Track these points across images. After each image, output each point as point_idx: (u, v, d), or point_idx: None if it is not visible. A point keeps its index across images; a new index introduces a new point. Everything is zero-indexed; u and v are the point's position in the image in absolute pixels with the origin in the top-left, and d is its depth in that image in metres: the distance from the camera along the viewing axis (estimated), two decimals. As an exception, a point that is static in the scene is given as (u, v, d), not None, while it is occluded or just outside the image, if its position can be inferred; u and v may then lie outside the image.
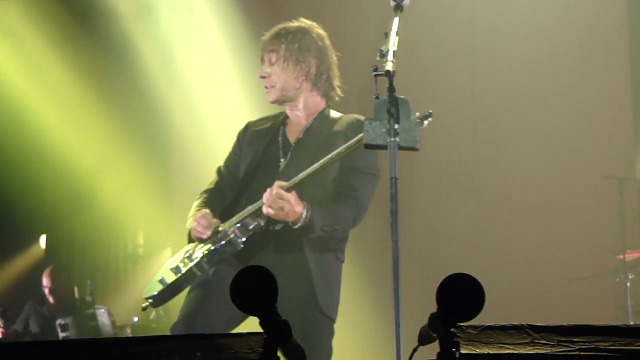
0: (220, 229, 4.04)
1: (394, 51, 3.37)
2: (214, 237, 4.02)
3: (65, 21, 9.12)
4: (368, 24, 7.12)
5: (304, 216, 3.85)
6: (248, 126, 4.45)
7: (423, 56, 7.93)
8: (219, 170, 4.44)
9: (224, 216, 4.12)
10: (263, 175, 4.11)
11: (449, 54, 8.26)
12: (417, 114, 3.66)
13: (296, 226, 3.87)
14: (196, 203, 4.29)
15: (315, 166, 3.89)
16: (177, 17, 8.98)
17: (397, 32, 3.47)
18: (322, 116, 4.25)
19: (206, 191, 4.38)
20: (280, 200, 3.81)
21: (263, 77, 4.30)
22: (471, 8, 8.24)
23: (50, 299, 8.71)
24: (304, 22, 4.33)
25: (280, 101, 4.30)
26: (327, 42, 4.32)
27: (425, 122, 3.68)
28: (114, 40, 9.10)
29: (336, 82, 4.32)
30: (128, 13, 8.91)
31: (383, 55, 3.36)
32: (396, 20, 3.52)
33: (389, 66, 3.28)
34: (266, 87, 4.30)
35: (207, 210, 4.11)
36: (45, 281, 8.78)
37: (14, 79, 8.98)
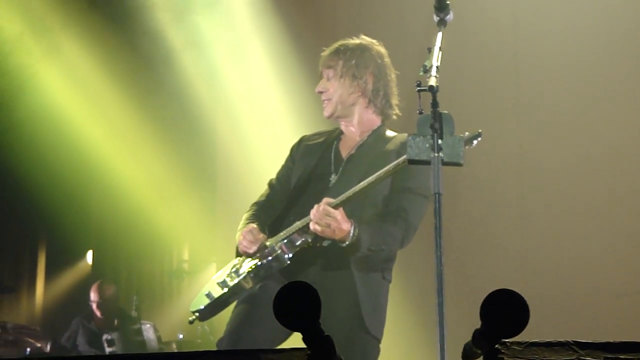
0: (267, 244, 4.05)
1: (437, 66, 3.37)
2: (261, 252, 4.03)
3: (111, 38, 9.23)
4: (411, 40, 7.11)
5: (351, 234, 3.83)
6: (302, 140, 4.45)
7: (466, 71, 7.89)
8: (270, 183, 4.45)
9: (272, 229, 4.13)
10: (313, 189, 4.11)
11: (493, 68, 8.21)
12: (467, 133, 3.65)
13: (344, 244, 3.85)
14: (246, 215, 4.31)
15: (363, 183, 3.87)
16: (221, 32, 9.04)
17: (440, 47, 3.47)
18: (377, 134, 4.23)
19: (257, 203, 4.39)
20: (327, 217, 3.80)
21: (320, 92, 4.31)
22: (515, 22, 8.19)
23: (98, 314, 8.78)
24: (365, 39, 4.33)
25: (335, 116, 4.29)
26: (387, 60, 4.30)
27: (475, 141, 3.66)
28: (159, 58, 9.18)
29: (394, 101, 4.30)
30: (174, 35, 9.00)
31: (426, 70, 3.36)
32: (439, 35, 3.52)
33: (432, 81, 3.28)
34: (323, 101, 4.29)
35: (254, 225, 4.12)
36: (93, 296, 8.86)
37: (61, 96, 9.09)
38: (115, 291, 9.18)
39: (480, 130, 3.64)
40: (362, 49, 4.27)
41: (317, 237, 3.91)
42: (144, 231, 9.84)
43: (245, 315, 3.96)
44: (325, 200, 3.86)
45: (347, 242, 3.84)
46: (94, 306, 8.82)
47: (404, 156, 3.78)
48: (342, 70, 4.23)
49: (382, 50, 4.32)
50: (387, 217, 4.01)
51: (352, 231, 3.83)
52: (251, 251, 4.04)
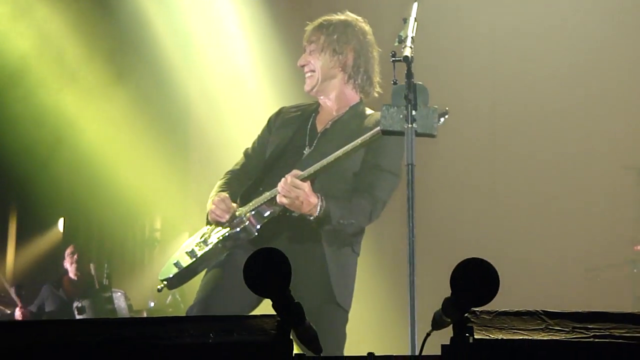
0: (236, 213, 4.04)
1: (412, 37, 3.36)
2: (230, 222, 4.02)
3: (84, 4, 9.14)
4: (386, 10, 7.10)
5: (319, 207, 3.84)
6: (281, 111, 4.44)
7: (442, 42, 7.89)
8: (245, 152, 4.44)
9: (244, 199, 4.13)
10: (286, 161, 4.10)
11: (469, 41, 8.22)
12: (435, 106, 3.64)
13: (312, 217, 3.86)
14: (219, 183, 4.30)
15: (330, 158, 3.87)
16: (196, 6, 8.98)
17: (415, 18, 3.45)
18: (354, 110, 4.22)
19: (231, 171, 4.39)
20: (295, 190, 3.80)
21: (302, 66, 4.29)
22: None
23: (71, 276, 8.79)
24: (350, 15, 4.32)
25: (315, 90, 4.27)
26: (370, 37, 4.28)
27: (442, 119, 3.63)
28: (133, 25, 9.10)
29: (376, 78, 4.28)
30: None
31: (402, 41, 3.36)
32: (415, 5, 3.51)
33: (407, 52, 3.28)
34: (306, 74, 4.27)
35: (226, 194, 4.12)
36: (67, 259, 8.87)
37: (33, 59, 8.99)
38: (85, 259, 9.18)
39: (447, 108, 3.60)
40: (345, 24, 4.26)
41: (285, 208, 3.90)
42: (115, 199, 9.79)
43: (214, 283, 3.97)
44: (294, 172, 3.87)
45: (314, 215, 3.85)
46: (68, 266, 8.84)
47: (370, 133, 3.80)
48: (323, 44, 4.22)
49: (366, 27, 4.31)
50: (356, 192, 4.01)
51: (319, 204, 3.84)
52: (223, 220, 4.04)
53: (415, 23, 3.44)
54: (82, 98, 9.33)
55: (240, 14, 8.85)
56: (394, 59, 3.28)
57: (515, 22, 8.05)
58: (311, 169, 3.88)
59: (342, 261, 4.00)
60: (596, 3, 7.80)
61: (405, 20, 3.45)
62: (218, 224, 4.08)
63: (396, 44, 3.38)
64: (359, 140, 3.85)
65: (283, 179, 3.84)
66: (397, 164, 4.06)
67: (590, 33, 7.80)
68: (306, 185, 3.82)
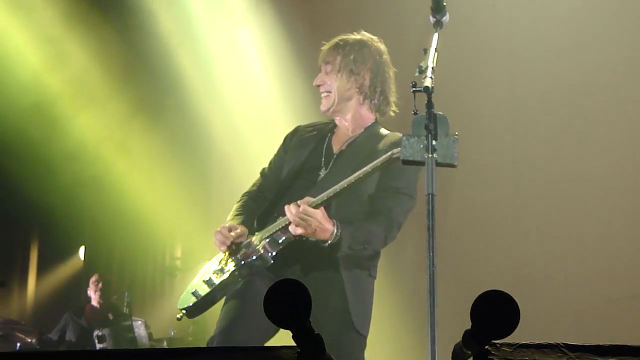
0: (253, 240, 4.04)
1: (432, 67, 3.36)
2: (245, 249, 4.02)
3: (105, 30, 9.22)
4: (407, 40, 7.11)
5: (334, 234, 3.82)
6: (297, 130, 4.44)
7: (462, 73, 7.89)
8: (262, 172, 4.45)
9: (261, 222, 4.12)
10: (302, 183, 4.10)
11: (488, 70, 8.21)
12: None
13: (325, 244, 3.84)
14: (235, 207, 4.31)
15: (343, 183, 3.85)
16: (216, 29, 9.04)
17: (436, 48, 3.46)
18: (369, 131, 4.23)
19: (248, 193, 4.40)
20: (307, 218, 3.78)
21: (318, 86, 4.30)
22: (511, 23, 8.18)
23: (94, 304, 8.82)
24: (365, 35, 4.33)
25: (332, 111, 4.28)
26: (386, 57, 4.30)
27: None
28: (155, 53, 9.16)
29: (392, 98, 4.29)
30: (169, 29, 8.99)
31: (422, 71, 3.36)
32: (436, 36, 3.52)
33: (427, 82, 3.27)
34: (322, 94, 4.28)
35: (232, 223, 4.12)
36: (92, 287, 8.93)
37: (54, 87, 9.08)
38: (107, 287, 9.21)
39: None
40: (361, 44, 4.27)
41: (299, 235, 3.89)
42: (137, 228, 9.82)
43: (235, 314, 3.95)
44: (306, 199, 3.84)
45: (329, 242, 3.83)
46: (92, 294, 8.89)
47: (382, 157, 3.80)
48: (340, 64, 4.23)
49: (382, 47, 4.32)
50: (370, 215, 4.00)
51: (334, 231, 3.82)
52: (222, 249, 4.05)
53: (436, 54, 3.44)
54: (105, 126, 9.39)
55: (258, 38, 8.90)
56: (414, 89, 3.28)
57: (535, 48, 8.03)
58: (324, 195, 3.85)
59: (359, 286, 3.99)
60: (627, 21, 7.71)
61: (426, 51, 3.46)
62: (230, 253, 4.07)
63: (417, 74, 3.38)
64: (370, 166, 3.83)
65: (293, 206, 3.81)
66: (412, 186, 4.06)
67: (618, 51, 7.72)
68: (319, 213, 3.79)
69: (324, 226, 3.80)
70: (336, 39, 4.34)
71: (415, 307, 6.22)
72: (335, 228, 3.82)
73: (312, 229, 3.78)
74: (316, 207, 3.82)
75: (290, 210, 3.81)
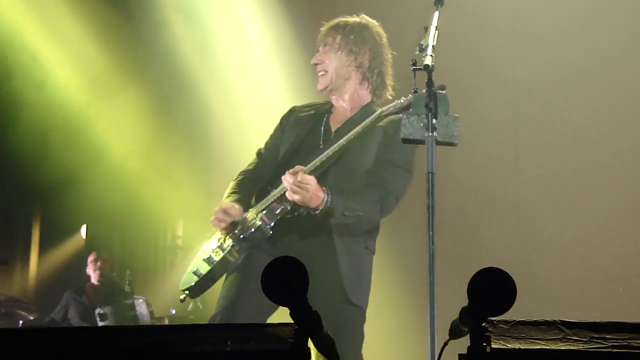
0: (248, 215, 4.07)
1: (433, 46, 3.36)
2: (242, 224, 4.04)
3: (105, 10, 9.21)
4: (408, 18, 7.10)
5: (324, 201, 3.85)
6: (293, 110, 4.47)
7: (463, 51, 7.88)
8: (258, 152, 4.48)
9: (259, 198, 4.16)
10: (301, 160, 4.11)
11: (490, 49, 8.19)
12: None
13: (317, 212, 3.88)
14: (231, 185, 4.35)
15: (335, 147, 3.93)
16: (216, 8, 9.02)
17: (436, 26, 3.46)
18: (365, 110, 4.23)
19: (243, 172, 4.43)
20: (304, 185, 3.82)
21: (316, 64, 4.32)
22: (513, 2, 8.16)
23: (93, 282, 8.85)
24: (365, 18, 4.37)
25: (329, 89, 4.30)
26: (385, 40, 4.34)
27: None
28: (155, 33, 9.15)
29: (389, 81, 4.32)
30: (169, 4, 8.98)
31: (422, 49, 3.36)
32: (436, 14, 3.52)
33: (428, 60, 3.28)
34: (319, 73, 4.31)
35: (229, 202, 4.15)
36: (90, 266, 8.95)
37: (57, 69, 9.08)
38: (108, 265, 9.23)
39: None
40: (362, 26, 4.30)
41: (295, 204, 3.92)
42: (138, 207, 9.83)
43: (235, 291, 3.97)
44: (297, 167, 3.90)
45: (319, 209, 3.86)
46: (91, 272, 8.91)
47: (372, 116, 3.89)
48: (339, 43, 4.26)
49: (381, 31, 4.36)
50: (366, 187, 4.04)
51: (325, 197, 3.85)
52: (221, 227, 4.08)
53: (436, 32, 3.44)
54: (106, 105, 9.39)
55: (259, 19, 8.88)
56: (414, 67, 3.28)
57: (538, 28, 8.01)
58: (317, 161, 3.93)
59: (354, 257, 4.01)
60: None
61: (426, 29, 3.46)
62: (225, 230, 4.10)
63: (417, 52, 3.38)
64: (360, 126, 3.91)
65: (289, 175, 3.86)
66: (409, 160, 4.10)
67: (621, 37, 7.71)
68: (314, 179, 3.85)
69: (318, 193, 3.84)
70: (336, 20, 4.37)
71: (415, 284, 6.24)
72: (326, 195, 3.86)
73: (309, 194, 3.82)
74: (310, 174, 3.87)
75: (287, 179, 3.86)
